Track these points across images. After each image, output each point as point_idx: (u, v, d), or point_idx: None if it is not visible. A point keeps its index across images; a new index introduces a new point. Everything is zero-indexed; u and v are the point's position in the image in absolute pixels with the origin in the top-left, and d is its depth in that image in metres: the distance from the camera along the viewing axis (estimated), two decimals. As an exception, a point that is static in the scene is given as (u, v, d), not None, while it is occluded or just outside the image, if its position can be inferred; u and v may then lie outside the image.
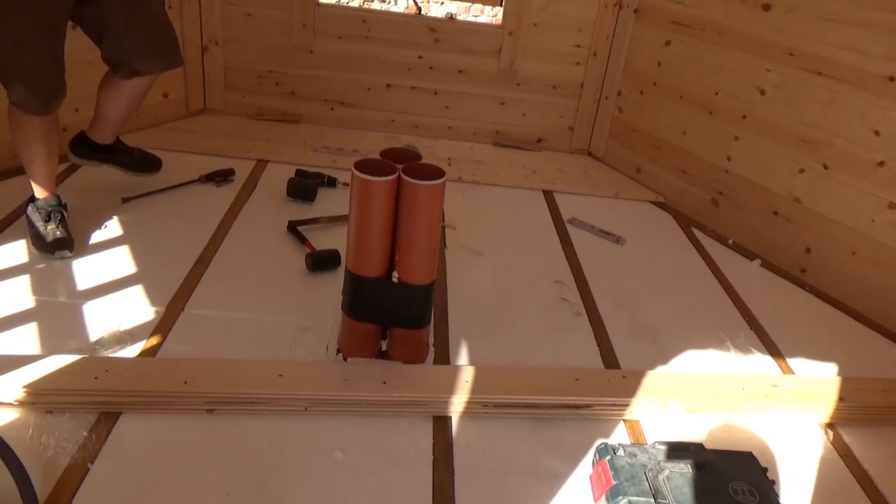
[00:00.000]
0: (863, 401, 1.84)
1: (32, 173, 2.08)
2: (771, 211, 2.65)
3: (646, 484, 1.41)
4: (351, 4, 5.41)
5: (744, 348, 2.08)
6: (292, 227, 2.39)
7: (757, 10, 2.59)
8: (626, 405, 1.72)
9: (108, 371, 1.59)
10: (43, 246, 2.07)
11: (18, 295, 1.90)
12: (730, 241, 2.78)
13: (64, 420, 1.50)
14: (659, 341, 2.07)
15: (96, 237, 2.23)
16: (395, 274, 1.68)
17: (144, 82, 2.17)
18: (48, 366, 1.57)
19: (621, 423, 1.72)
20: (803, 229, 2.54)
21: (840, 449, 1.74)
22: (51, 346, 1.71)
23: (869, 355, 2.16)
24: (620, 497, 1.38)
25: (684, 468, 1.44)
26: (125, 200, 2.44)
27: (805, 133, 2.49)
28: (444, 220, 2.55)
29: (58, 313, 1.85)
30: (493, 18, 5.30)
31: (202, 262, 2.15)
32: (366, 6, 5.52)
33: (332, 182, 2.77)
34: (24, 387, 1.49)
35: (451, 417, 1.66)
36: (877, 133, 2.28)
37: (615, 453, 1.48)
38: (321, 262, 2.18)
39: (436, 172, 1.58)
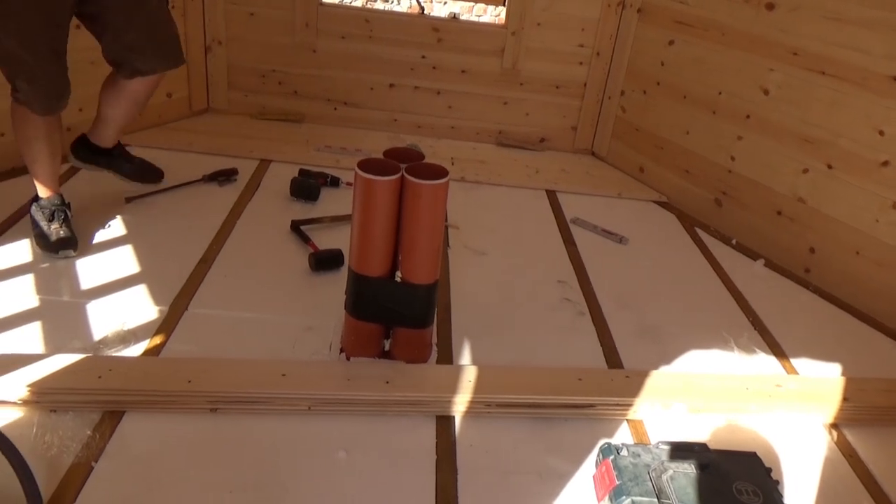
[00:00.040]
0: (867, 401, 1.84)
1: (35, 172, 2.08)
2: (774, 211, 2.64)
3: (649, 484, 1.40)
4: (354, 4, 5.41)
5: (747, 348, 2.08)
6: (295, 227, 2.39)
7: (760, 9, 2.59)
8: (630, 405, 1.72)
9: (111, 370, 1.59)
10: (47, 245, 2.07)
11: (22, 294, 1.90)
12: (733, 241, 2.78)
13: (68, 419, 1.50)
14: (662, 341, 2.06)
15: (100, 236, 2.23)
16: (399, 273, 1.68)
17: (146, 85, 2.17)
18: (52, 365, 1.57)
19: (624, 423, 1.72)
20: (807, 229, 2.53)
21: (844, 449, 1.74)
22: (55, 345, 1.71)
23: (873, 355, 2.15)
24: (624, 497, 1.38)
25: (688, 468, 1.44)
26: (129, 200, 2.45)
27: (809, 133, 2.49)
28: (447, 220, 2.54)
29: (61, 312, 1.85)
30: (496, 18, 5.29)
31: (205, 262, 2.15)
32: (369, 6, 5.51)
33: (335, 182, 2.78)
34: (28, 386, 1.50)
35: (454, 417, 1.66)
36: (881, 133, 2.27)
37: (618, 453, 1.48)
38: (324, 261, 2.18)
39: (439, 172, 1.58)
